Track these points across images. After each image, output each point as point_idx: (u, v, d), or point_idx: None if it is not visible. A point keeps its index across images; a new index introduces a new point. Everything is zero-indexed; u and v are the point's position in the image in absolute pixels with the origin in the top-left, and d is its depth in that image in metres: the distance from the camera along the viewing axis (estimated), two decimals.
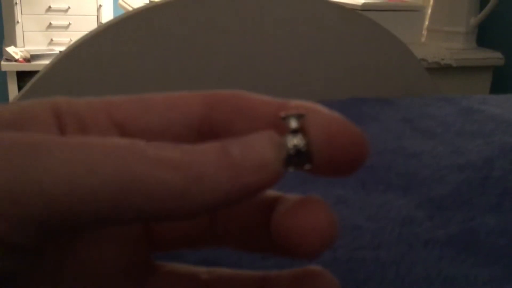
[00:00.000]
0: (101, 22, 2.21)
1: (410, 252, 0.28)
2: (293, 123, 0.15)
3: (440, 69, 1.12)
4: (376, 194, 0.34)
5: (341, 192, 0.34)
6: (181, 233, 0.19)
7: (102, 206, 0.13)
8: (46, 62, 1.31)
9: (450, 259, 0.27)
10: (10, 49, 2.11)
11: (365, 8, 1.07)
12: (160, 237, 0.19)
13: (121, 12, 1.66)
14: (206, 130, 0.17)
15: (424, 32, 1.23)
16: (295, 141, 0.15)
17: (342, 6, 0.71)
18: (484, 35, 1.28)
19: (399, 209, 0.32)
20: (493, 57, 1.19)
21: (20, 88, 2.05)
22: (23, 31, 2.18)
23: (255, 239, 0.18)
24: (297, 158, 0.15)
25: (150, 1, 1.33)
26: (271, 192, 0.18)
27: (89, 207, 0.13)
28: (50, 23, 2.22)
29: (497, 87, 1.24)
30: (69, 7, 2.23)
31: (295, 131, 0.15)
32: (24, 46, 2.18)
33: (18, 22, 2.16)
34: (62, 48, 1.30)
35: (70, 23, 2.24)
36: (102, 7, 2.28)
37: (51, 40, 2.23)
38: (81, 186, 0.12)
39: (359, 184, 0.35)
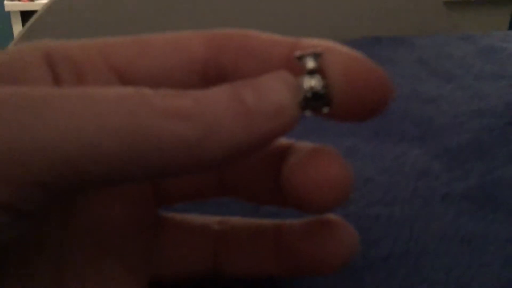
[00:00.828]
0: None
1: (425, 208, 0.26)
2: (310, 63, 0.14)
3: (457, 3, 1.06)
4: (390, 145, 0.32)
5: (352, 143, 0.32)
6: (189, 186, 0.18)
7: (113, 164, 0.12)
8: None
9: (469, 215, 0.26)
10: None
11: None
12: (167, 190, 0.18)
13: None
14: (211, 74, 0.16)
15: None
16: (312, 82, 0.14)
17: None
18: None
19: (415, 161, 0.30)
20: None
21: None
22: None
23: (265, 191, 0.17)
24: (315, 101, 0.14)
25: None
26: (282, 141, 0.17)
27: (99, 166, 0.12)
28: None
29: None
30: None
31: (312, 72, 0.14)
32: None
33: None
34: None
35: None
36: None
37: None
38: (89, 143, 0.11)
39: (372, 134, 0.33)
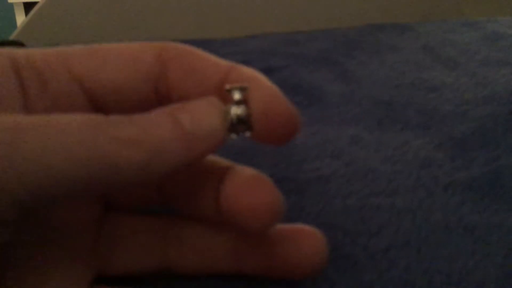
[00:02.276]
0: None
1: (428, 197, 0.26)
2: (237, 95, 0.17)
3: None
4: (393, 134, 0.31)
5: (355, 132, 0.32)
6: (133, 195, 0.20)
7: (77, 185, 0.14)
8: None
9: (472, 205, 0.25)
10: None
11: None
12: (113, 199, 0.20)
13: None
14: (163, 89, 0.18)
15: None
16: (238, 111, 0.17)
17: None
18: None
19: (418, 150, 0.30)
20: None
21: None
22: None
23: (205, 208, 0.18)
24: (239, 126, 0.17)
25: None
26: (221, 162, 0.19)
27: (66, 188, 0.14)
28: None
29: None
30: None
31: (238, 102, 0.17)
32: None
33: None
34: None
35: None
36: None
37: None
38: (57, 170, 0.13)
39: (375, 123, 0.33)
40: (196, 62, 0.18)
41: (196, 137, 0.15)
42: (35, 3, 1.94)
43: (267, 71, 0.42)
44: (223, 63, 0.18)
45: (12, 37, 0.61)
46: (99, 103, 0.18)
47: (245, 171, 0.17)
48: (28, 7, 2.05)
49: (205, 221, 0.19)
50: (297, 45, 0.48)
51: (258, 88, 0.17)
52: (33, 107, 0.16)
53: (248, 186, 0.17)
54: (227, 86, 0.17)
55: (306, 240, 0.18)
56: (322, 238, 0.19)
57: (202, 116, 0.16)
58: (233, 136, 0.17)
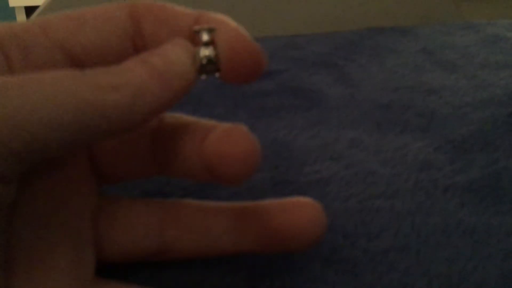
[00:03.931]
0: None
1: (427, 200, 0.26)
2: (205, 36, 0.18)
3: None
4: (392, 136, 0.32)
5: (355, 135, 0.32)
6: (127, 165, 0.21)
7: (67, 133, 0.15)
8: None
9: (471, 207, 0.25)
10: None
11: None
12: (107, 170, 0.20)
13: None
14: (139, 44, 0.18)
15: None
16: (206, 52, 0.18)
17: None
18: None
19: (417, 153, 0.30)
20: None
21: None
22: None
23: (194, 168, 0.19)
24: (208, 66, 0.18)
25: None
26: (207, 122, 0.19)
27: (57, 134, 0.14)
28: None
29: None
30: None
31: (206, 44, 0.18)
32: None
33: None
34: None
35: None
36: None
37: None
38: (48, 118, 0.14)
39: (374, 126, 0.33)
40: (167, 13, 0.18)
41: (169, 77, 0.16)
42: (36, 7, 1.95)
43: (267, 74, 0.42)
44: (192, 11, 0.19)
45: None
46: (80, 65, 0.18)
47: (225, 125, 0.18)
48: (29, 11, 2.06)
49: (197, 180, 0.20)
50: (297, 48, 0.49)
51: (224, 30, 0.18)
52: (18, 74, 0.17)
53: (226, 136, 0.17)
54: (196, 28, 0.18)
55: (302, 210, 0.19)
56: (318, 207, 0.19)
57: (172, 56, 0.17)
58: (203, 76, 0.18)
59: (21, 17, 2.07)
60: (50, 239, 0.18)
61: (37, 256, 0.17)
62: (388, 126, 0.33)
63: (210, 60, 0.18)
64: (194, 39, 0.18)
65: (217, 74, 0.18)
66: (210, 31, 0.18)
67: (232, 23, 0.18)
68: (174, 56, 0.17)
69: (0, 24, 0.17)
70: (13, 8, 2.05)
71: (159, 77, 0.16)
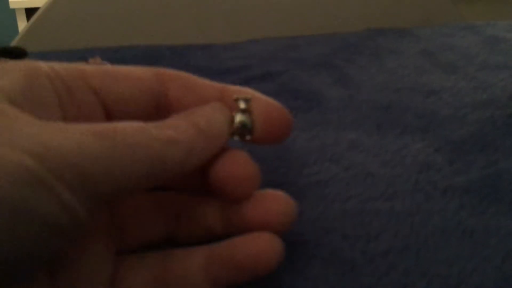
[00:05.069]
0: None
1: (427, 201, 0.26)
2: (242, 104, 0.21)
3: None
4: (392, 138, 0.32)
5: (354, 136, 0.32)
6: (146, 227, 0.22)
7: (138, 180, 0.16)
8: None
9: (470, 209, 0.25)
10: None
11: None
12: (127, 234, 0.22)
13: None
14: (162, 105, 0.21)
15: None
16: (242, 118, 0.21)
17: None
18: None
19: (416, 154, 0.30)
20: None
21: None
22: None
23: (200, 185, 0.22)
24: (242, 130, 0.21)
25: None
26: None
27: (132, 184, 0.16)
28: None
29: None
30: None
31: (243, 111, 0.21)
32: None
33: None
34: None
35: None
36: None
37: None
38: (130, 170, 0.16)
39: (374, 127, 0.33)
40: (194, 83, 0.21)
41: (210, 136, 0.19)
42: (37, 8, 1.95)
43: (267, 76, 0.42)
44: (216, 84, 0.21)
45: (14, 42, 0.61)
46: (110, 113, 0.20)
47: (228, 151, 0.21)
48: (30, 12, 2.06)
49: (196, 193, 0.22)
50: (297, 49, 0.49)
51: (258, 100, 0.21)
52: (66, 114, 0.19)
53: (232, 161, 0.20)
54: (235, 96, 0.21)
55: (272, 202, 0.21)
56: (287, 198, 0.21)
57: (213, 119, 0.20)
58: (236, 137, 0.21)
59: (21, 18, 2.07)
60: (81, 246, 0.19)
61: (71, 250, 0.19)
62: (387, 127, 0.33)
63: (244, 125, 0.21)
64: (230, 105, 0.21)
65: (248, 137, 0.21)
66: (247, 100, 0.21)
67: (260, 94, 0.21)
68: (214, 119, 0.20)
69: (44, 63, 0.18)
70: (13, 9, 2.05)
71: (204, 136, 0.19)
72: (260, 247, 0.20)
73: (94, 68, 0.20)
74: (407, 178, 0.28)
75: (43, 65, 0.18)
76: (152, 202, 0.22)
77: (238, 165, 0.20)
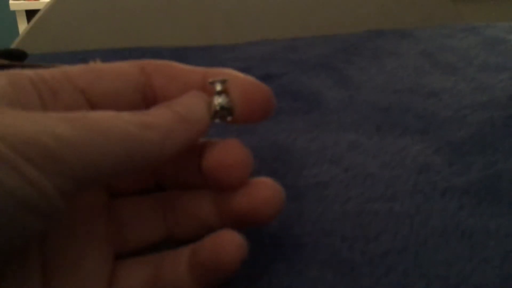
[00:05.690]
0: None
1: (426, 203, 0.26)
2: (218, 86, 0.21)
3: None
4: (392, 139, 0.32)
5: (354, 138, 0.32)
6: (132, 182, 0.23)
7: (115, 161, 0.17)
8: None
9: (470, 210, 0.26)
10: None
11: None
12: (116, 187, 0.23)
13: None
14: (149, 96, 0.21)
15: None
16: (220, 100, 0.21)
17: None
18: None
19: (416, 155, 0.30)
20: None
21: None
22: None
23: (190, 177, 0.22)
24: (221, 112, 0.21)
25: None
26: (200, 140, 0.22)
27: (108, 165, 0.17)
28: None
29: None
30: None
31: (219, 92, 0.21)
32: None
33: None
34: None
35: None
36: None
37: None
38: (106, 150, 0.16)
39: (373, 128, 0.33)
40: (176, 70, 0.21)
41: (191, 122, 0.19)
42: (37, 10, 1.95)
43: (267, 77, 0.42)
44: (199, 68, 0.22)
45: (15, 44, 0.61)
46: (97, 110, 0.20)
47: (219, 140, 0.21)
48: (30, 14, 2.06)
49: (191, 188, 0.22)
50: (297, 51, 0.49)
51: (235, 79, 0.21)
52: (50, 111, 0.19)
53: (223, 149, 0.20)
54: (210, 79, 0.21)
55: (261, 190, 0.21)
56: (274, 184, 0.21)
57: (191, 105, 0.20)
58: (217, 120, 0.21)
59: (22, 20, 2.07)
60: (76, 239, 0.20)
61: (70, 253, 0.19)
62: (387, 129, 0.33)
63: (222, 107, 0.21)
64: (207, 90, 0.21)
65: (229, 118, 0.21)
66: (223, 82, 0.21)
67: (239, 73, 0.21)
68: (193, 105, 0.20)
69: (29, 70, 0.19)
70: (14, 11, 2.06)
71: (183, 121, 0.19)
72: (220, 247, 0.20)
73: (78, 68, 0.20)
74: (407, 179, 0.28)
75: (27, 71, 0.19)
76: (150, 203, 0.22)
77: (229, 151, 0.20)
